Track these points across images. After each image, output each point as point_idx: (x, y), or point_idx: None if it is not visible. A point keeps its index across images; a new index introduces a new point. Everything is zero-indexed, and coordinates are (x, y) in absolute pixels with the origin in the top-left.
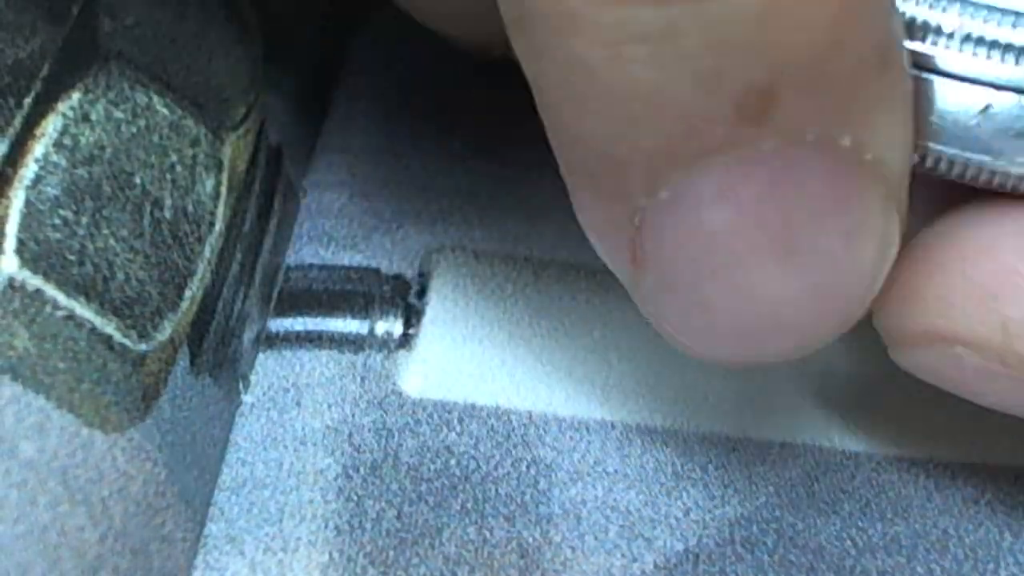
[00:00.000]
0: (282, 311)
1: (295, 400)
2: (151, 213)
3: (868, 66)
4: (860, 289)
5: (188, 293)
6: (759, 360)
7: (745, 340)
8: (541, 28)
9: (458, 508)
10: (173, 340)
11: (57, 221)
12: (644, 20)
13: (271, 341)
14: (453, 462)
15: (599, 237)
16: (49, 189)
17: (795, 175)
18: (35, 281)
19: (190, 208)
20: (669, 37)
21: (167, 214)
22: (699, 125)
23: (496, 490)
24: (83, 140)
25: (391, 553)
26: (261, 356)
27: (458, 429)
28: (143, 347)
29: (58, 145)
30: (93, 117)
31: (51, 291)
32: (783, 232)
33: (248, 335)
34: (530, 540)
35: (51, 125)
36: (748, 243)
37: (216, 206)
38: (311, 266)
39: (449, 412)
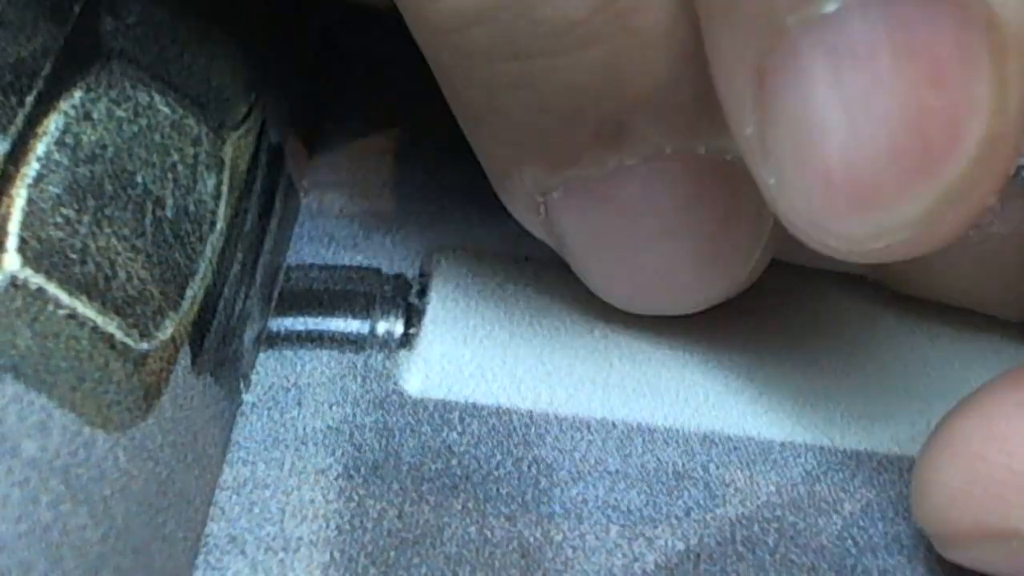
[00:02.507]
0: (283, 311)
1: (296, 400)
2: (153, 212)
3: None
4: None
5: (189, 292)
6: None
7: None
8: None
9: (459, 508)
10: (175, 339)
11: (59, 219)
12: None
13: (272, 341)
14: (454, 462)
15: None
16: (51, 187)
17: None
18: (37, 280)
19: (191, 207)
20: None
21: (169, 213)
22: None
23: (497, 489)
24: (85, 139)
25: (392, 553)
26: (262, 356)
27: (459, 429)
28: (145, 346)
29: (60, 143)
30: (95, 115)
31: (53, 290)
32: None
33: (249, 334)
34: (531, 540)
35: (53, 123)
36: None
37: (217, 205)
38: (312, 266)
39: (450, 412)
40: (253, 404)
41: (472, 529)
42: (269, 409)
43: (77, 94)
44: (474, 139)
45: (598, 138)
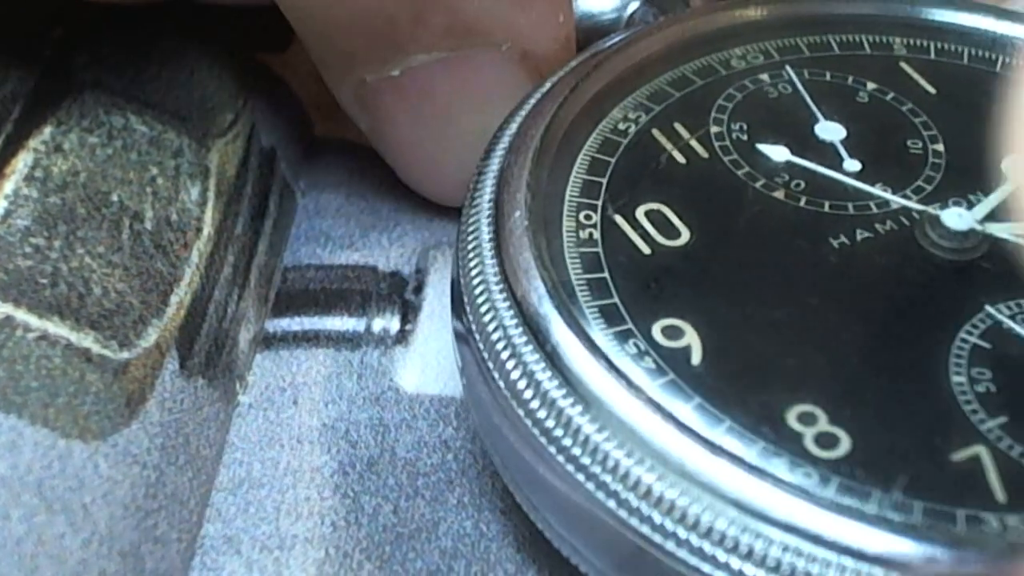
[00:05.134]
0: (280, 312)
1: (292, 399)
2: (130, 227)
3: None
4: None
5: (174, 299)
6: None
7: None
8: None
9: (455, 502)
10: (159, 345)
11: (28, 249)
12: None
13: (268, 342)
14: (450, 456)
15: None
16: (19, 221)
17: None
18: (4, 309)
19: (173, 217)
20: None
21: (148, 225)
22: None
23: (493, 484)
24: (56, 170)
25: (387, 548)
26: (259, 357)
27: (455, 423)
28: (125, 355)
29: (28, 179)
30: (66, 147)
31: (22, 315)
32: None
33: (244, 336)
34: (527, 533)
35: (21, 161)
36: None
37: (203, 212)
38: (308, 266)
39: (446, 407)
40: (249, 405)
41: (467, 523)
42: (265, 409)
43: (47, 130)
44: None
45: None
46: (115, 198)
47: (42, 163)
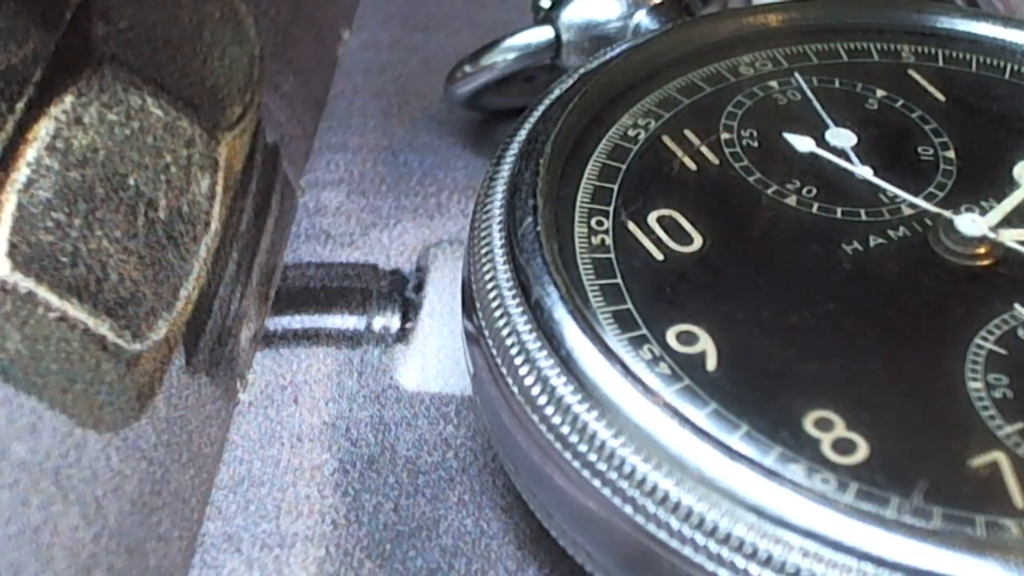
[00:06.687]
0: (280, 310)
1: (292, 397)
2: (145, 214)
3: None
4: None
5: (183, 293)
6: None
7: None
8: None
9: (455, 500)
10: (168, 339)
11: (49, 223)
12: None
13: (269, 340)
14: (451, 454)
15: None
16: (41, 192)
17: None
18: (27, 283)
19: (185, 208)
20: None
21: (161, 214)
22: None
23: (493, 481)
24: (76, 143)
25: (388, 546)
26: (259, 355)
27: (455, 421)
28: (137, 347)
29: (50, 148)
30: (86, 120)
31: (43, 293)
32: None
33: (245, 334)
34: (527, 531)
35: (43, 129)
36: None
37: (212, 206)
38: (309, 264)
39: (446, 405)
40: (250, 403)
41: (468, 521)
42: (266, 407)
43: (68, 99)
44: None
45: None
46: (132, 182)
47: (63, 134)
